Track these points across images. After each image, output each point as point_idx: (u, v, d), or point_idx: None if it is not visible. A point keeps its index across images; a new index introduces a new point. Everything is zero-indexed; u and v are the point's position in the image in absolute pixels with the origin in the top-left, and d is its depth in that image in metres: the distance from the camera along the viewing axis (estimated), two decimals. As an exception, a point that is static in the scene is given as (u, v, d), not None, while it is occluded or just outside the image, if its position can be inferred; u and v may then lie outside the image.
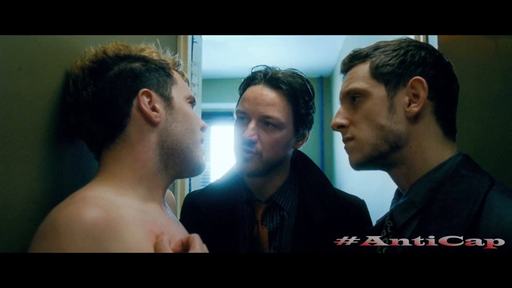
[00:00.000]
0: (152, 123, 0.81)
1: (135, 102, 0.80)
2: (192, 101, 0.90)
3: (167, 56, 0.90)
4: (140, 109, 0.80)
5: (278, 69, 1.18)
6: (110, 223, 0.66)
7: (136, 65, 0.83)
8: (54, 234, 0.62)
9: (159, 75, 0.84)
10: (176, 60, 0.92)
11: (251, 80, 1.16)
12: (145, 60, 0.85)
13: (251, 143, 1.08)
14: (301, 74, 1.18)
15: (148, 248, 0.70)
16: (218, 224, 1.13)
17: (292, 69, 1.19)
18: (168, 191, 1.01)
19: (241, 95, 1.18)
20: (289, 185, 1.17)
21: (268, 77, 1.13)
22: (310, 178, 1.18)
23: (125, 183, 0.78)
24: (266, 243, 1.12)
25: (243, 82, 1.19)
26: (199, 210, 1.16)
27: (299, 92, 1.12)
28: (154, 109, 0.81)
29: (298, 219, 1.12)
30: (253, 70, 1.19)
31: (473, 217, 0.71)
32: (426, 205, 0.80)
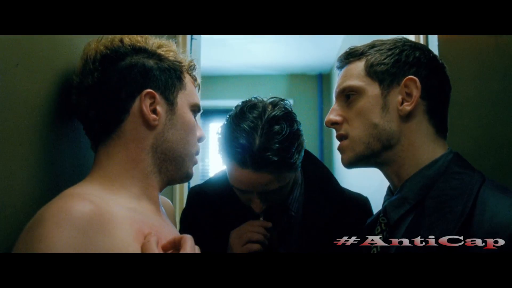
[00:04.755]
0: (149, 126, 0.78)
1: (137, 100, 0.78)
2: (196, 110, 0.87)
3: (184, 58, 0.87)
4: (140, 109, 0.78)
5: (259, 131, 0.97)
6: (97, 216, 0.65)
7: (150, 61, 0.80)
8: (40, 225, 0.61)
9: (169, 76, 0.81)
10: (192, 63, 0.89)
11: (234, 159, 0.99)
12: (159, 58, 0.82)
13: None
14: (283, 107, 1.03)
15: (135, 247, 0.68)
16: (231, 219, 1.12)
17: (272, 100, 1.05)
18: (167, 201, 1.01)
19: (226, 164, 1.04)
20: (296, 185, 1.15)
21: (255, 160, 0.96)
22: (316, 175, 1.18)
23: (116, 182, 0.76)
24: (276, 240, 1.12)
25: (223, 153, 1.02)
26: (210, 203, 1.15)
27: (292, 154, 0.99)
28: (155, 111, 0.79)
29: (305, 215, 1.12)
30: (226, 142, 1.00)
31: (467, 213, 0.73)
32: (419, 202, 0.81)
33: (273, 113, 1.00)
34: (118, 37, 0.81)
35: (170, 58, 0.83)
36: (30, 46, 0.75)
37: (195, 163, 0.88)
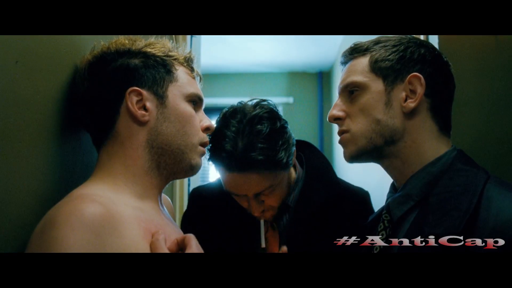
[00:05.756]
0: (140, 122, 0.80)
1: (124, 100, 0.79)
2: (194, 100, 0.87)
3: (178, 52, 0.88)
4: (127, 107, 0.79)
5: (241, 133, 0.98)
6: (108, 218, 0.66)
7: (134, 61, 0.82)
8: (53, 228, 0.62)
9: (156, 72, 0.82)
10: (187, 56, 0.89)
11: (221, 165, 1.01)
12: (145, 55, 0.83)
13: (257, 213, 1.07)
14: (264, 107, 1.04)
15: (144, 246, 0.70)
16: (230, 222, 1.13)
17: (253, 101, 1.06)
18: (167, 198, 1.01)
19: (218, 171, 1.06)
20: (297, 183, 1.15)
21: (240, 162, 0.97)
22: (315, 166, 1.18)
23: (119, 180, 0.78)
24: (277, 243, 1.12)
25: (212, 162, 1.04)
26: (209, 206, 1.15)
27: (277, 152, 0.99)
28: (144, 107, 0.80)
29: (298, 202, 1.12)
30: (214, 150, 1.00)
31: (472, 210, 0.72)
32: (423, 198, 0.81)
33: (254, 113, 1.01)
34: (105, 44, 0.84)
35: (158, 54, 0.84)
36: (29, 43, 0.74)
37: (202, 153, 0.88)
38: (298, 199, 1.12)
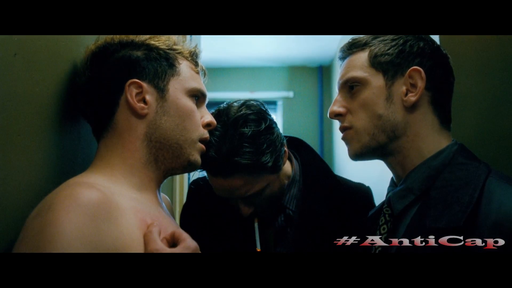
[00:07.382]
0: (138, 115, 0.79)
1: (124, 92, 0.79)
2: (196, 95, 0.86)
3: (182, 46, 0.87)
4: (126, 100, 0.79)
5: (223, 138, 0.95)
6: (105, 204, 0.66)
7: (136, 53, 0.81)
8: (49, 211, 0.61)
9: (158, 64, 0.81)
10: (192, 50, 0.89)
11: (207, 170, 1.01)
12: (148, 48, 0.82)
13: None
14: (248, 108, 1.00)
15: (139, 236, 0.69)
16: (227, 219, 1.12)
17: (237, 103, 1.03)
18: (166, 198, 1.01)
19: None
20: (294, 183, 1.13)
21: (223, 167, 0.96)
22: (314, 169, 1.16)
23: (117, 172, 0.77)
24: (272, 241, 1.11)
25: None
26: (208, 199, 1.14)
27: (261, 154, 0.96)
28: (144, 100, 0.79)
29: (302, 212, 1.10)
30: (203, 157, 0.93)
31: (474, 203, 0.72)
32: (424, 192, 0.81)
33: (238, 115, 0.98)
34: (110, 36, 0.83)
35: (162, 46, 0.83)
36: (28, 36, 0.73)
37: (202, 149, 0.87)
38: (301, 209, 1.10)
